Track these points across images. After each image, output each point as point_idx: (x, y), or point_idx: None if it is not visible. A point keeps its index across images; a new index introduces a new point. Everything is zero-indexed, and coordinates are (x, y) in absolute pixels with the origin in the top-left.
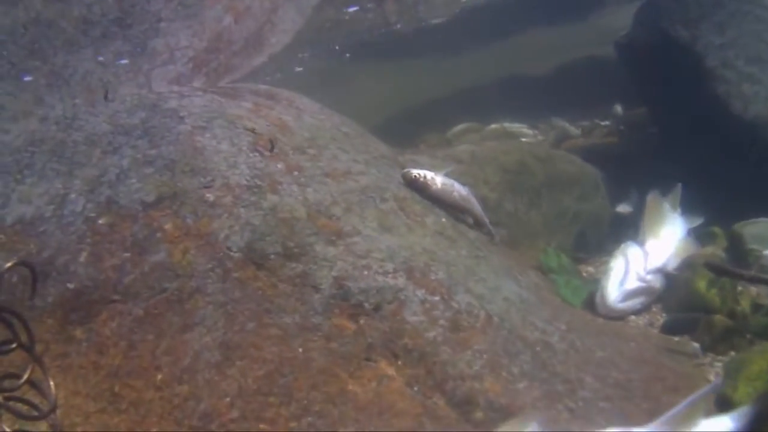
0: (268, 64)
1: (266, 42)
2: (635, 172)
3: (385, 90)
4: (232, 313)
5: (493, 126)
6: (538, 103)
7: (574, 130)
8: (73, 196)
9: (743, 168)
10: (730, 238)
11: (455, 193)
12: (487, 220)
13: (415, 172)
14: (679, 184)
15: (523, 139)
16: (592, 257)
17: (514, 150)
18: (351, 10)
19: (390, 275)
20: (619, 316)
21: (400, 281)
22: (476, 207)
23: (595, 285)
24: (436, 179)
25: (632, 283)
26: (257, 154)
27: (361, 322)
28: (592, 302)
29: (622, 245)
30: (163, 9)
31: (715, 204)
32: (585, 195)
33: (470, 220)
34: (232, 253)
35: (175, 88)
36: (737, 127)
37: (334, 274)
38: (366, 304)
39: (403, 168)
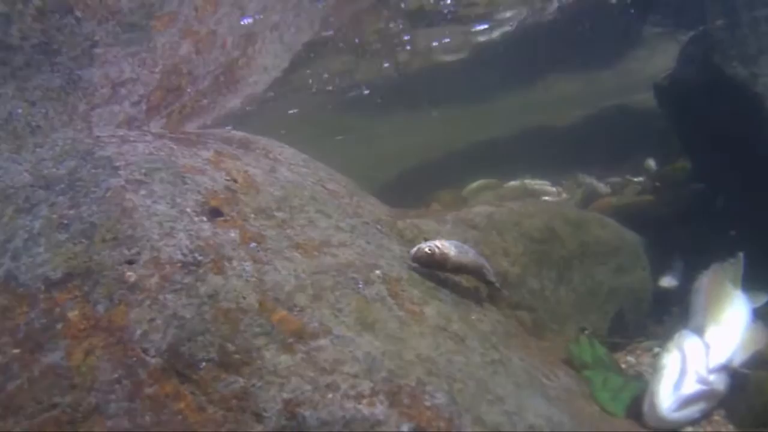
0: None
1: (242, 80)
2: (677, 238)
3: (398, 142)
4: None
5: (513, 183)
6: (562, 157)
7: (603, 187)
8: None
9: None
10: None
11: (470, 254)
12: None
13: (426, 246)
14: (741, 254)
15: (546, 198)
16: (631, 342)
17: (539, 212)
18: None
19: (365, 400)
20: (674, 428)
21: (379, 410)
22: (484, 261)
23: (639, 384)
24: (450, 247)
25: (691, 386)
26: (204, 218)
27: None
28: (637, 407)
29: (676, 335)
30: (96, 30)
31: None
32: (623, 266)
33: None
34: (148, 358)
35: (121, 131)
36: None
37: (285, 395)
38: None
39: (402, 236)
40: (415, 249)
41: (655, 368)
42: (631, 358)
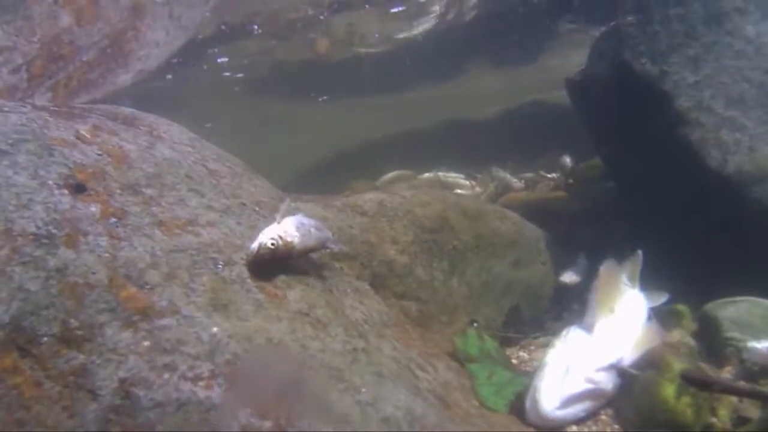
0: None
1: (131, 54)
2: (585, 234)
3: (316, 130)
4: None
5: (427, 175)
6: (478, 151)
7: (516, 182)
8: None
9: (720, 232)
10: (702, 321)
11: (313, 232)
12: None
13: (268, 240)
14: (640, 252)
15: (459, 191)
16: (526, 338)
17: (434, 202)
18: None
19: (202, 383)
20: (557, 427)
21: (216, 393)
22: (328, 234)
23: (527, 381)
24: (293, 234)
25: (576, 385)
26: (66, 192)
27: None
28: (521, 405)
29: (563, 331)
30: None
31: (682, 276)
32: (522, 260)
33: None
34: None
35: None
36: (714, 182)
37: (121, 374)
38: (158, 427)
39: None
40: (255, 245)
41: (540, 364)
42: (524, 354)
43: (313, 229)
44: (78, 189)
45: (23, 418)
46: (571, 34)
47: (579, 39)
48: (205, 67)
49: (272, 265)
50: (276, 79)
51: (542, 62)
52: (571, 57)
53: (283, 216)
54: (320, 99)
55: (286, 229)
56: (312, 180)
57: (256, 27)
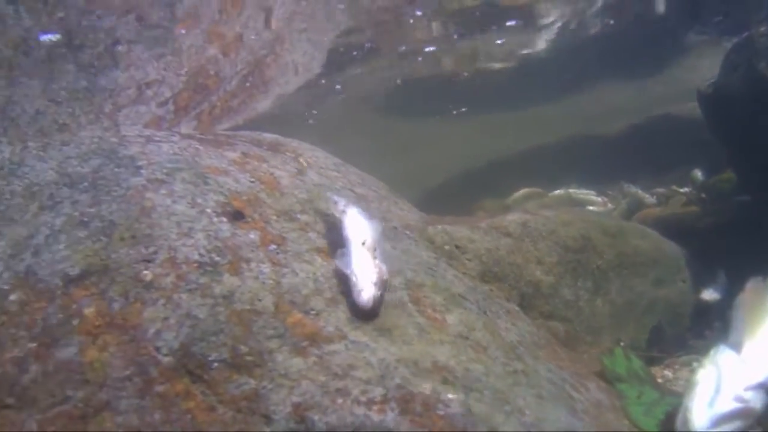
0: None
1: (272, 80)
2: (722, 250)
3: (444, 149)
4: None
5: (558, 192)
6: (608, 166)
7: (648, 198)
8: None
9: None
10: None
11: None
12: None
13: (375, 294)
14: None
15: (591, 208)
16: (670, 357)
17: (575, 221)
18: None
19: (375, 407)
20: None
21: (390, 417)
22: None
23: (675, 400)
24: (383, 267)
25: (726, 404)
26: (224, 219)
27: None
28: (670, 424)
29: (711, 350)
30: (117, 27)
31: None
32: (663, 278)
33: None
34: (160, 357)
35: (147, 131)
36: None
37: (294, 399)
38: None
39: (432, 242)
40: (366, 299)
41: (689, 384)
42: (668, 373)
43: (384, 243)
44: (236, 217)
45: None
46: (699, 45)
47: (707, 50)
48: (337, 86)
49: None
50: (402, 99)
51: (669, 74)
52: (698, 69)
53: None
54: (454, 112)
55: (380, 264)
56: (440, 199)
57: (380, 47)
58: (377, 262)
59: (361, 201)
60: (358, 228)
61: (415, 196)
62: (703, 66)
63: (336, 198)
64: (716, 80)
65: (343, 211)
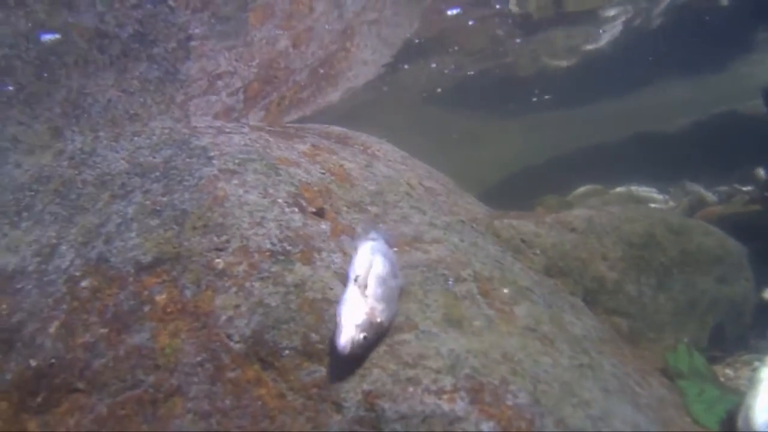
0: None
1: (341, 74)
2: None
3: (504, 144)
4: (216, 430)
5: (619, 189)
6: (669, 164)
7: (710, 196)
8: (63, 248)
9: None
10: None
11: (392, 283)
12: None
13: (360, 334)
14: None
15: (653, 205)
16: (731, 355)
17: (640, 218)
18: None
19: (446, 396)
20: None
21: (460, 406)
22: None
23: (736, 398)
24: (379, 308)
25: None
26: (296, 209)
27: None
28: (732, 422)
29: None
30: (191, 22)
31: None
32: (726, 277)
33: None
34: (231, 344)
35: (218, 123)
36: None
37: (365, 387)
38: None
39: (499, 236)
40: (344, 342)
41: (752, 382)
42: (729, 372)
43: (391, 281)
44: (318, 214)
45: (267, 428)
46: (764, 43)
47: None
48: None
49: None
50: (465, 94)
51: (733, 70)
52: (763, 64)
53: (363, 270)
54: (533, 99)
55: (372, 304)
56: (501, 195)
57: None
58: (370, 300)
59: (389, 228)
60: (357, 262)
61: (476, 192)
62: (766, 63)
63: (360, 229)
64: None
65: (356, 246)
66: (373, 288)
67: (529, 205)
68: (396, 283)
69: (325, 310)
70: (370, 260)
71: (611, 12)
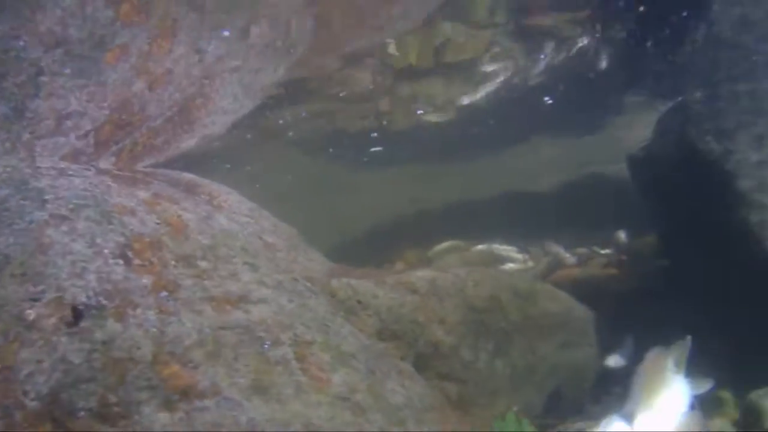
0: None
1: (197, 120)
2: (635, 315)
3: (373, 196)
4: None
5: (480, 247)
6: (535, 223)
7: (569, 257)
8: None
9: None
10: (745, 410)
11: None
12: None
13: None
14: (689, 338)
15: (511, 265)
16: (563, 422)
17: (487, 280)
18: None
19: None
20: None
21: None
22: None
23: None
24: None
25: None
26: (121, 261)
27: None
28: None
29: (603, 421)
30: (43, 57)
31: (730, 361)
32: (568, 342)
33: None
34: (27, 401)
35: (63, 164)
36: None
37: None
38: None
39: (335, 296)
40: None
41: None
42: None
43: None
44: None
45: None
46: (635, 107)
47: (641, 111)
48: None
49: None
50: (335, 144)
51: (607, 133)
52: (635, 128)
53: None
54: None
55: None
56: (366, 246)
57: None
58: None
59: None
60: None
61: (339, 242)
62: (638, 126)
63: None
64: (647, 144)
65: None
66: None
67: (392, 257)
68: None
69: (129, 370)
70: None
71: (490, 68)
